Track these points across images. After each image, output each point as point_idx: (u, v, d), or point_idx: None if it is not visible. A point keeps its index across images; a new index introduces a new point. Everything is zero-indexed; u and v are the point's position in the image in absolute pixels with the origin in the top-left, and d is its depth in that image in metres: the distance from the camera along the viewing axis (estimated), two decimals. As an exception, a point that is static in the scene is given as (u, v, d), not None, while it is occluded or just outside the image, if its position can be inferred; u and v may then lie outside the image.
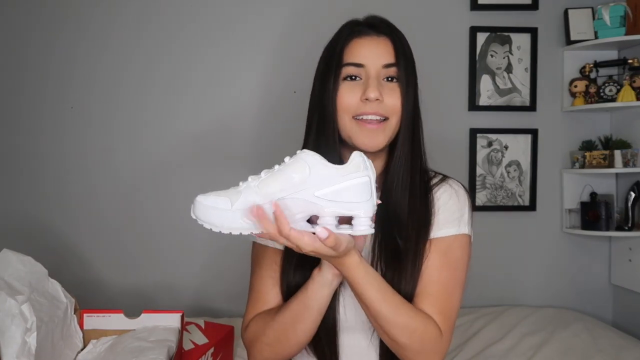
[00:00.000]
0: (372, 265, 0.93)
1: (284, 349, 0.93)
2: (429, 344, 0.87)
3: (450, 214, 0.96)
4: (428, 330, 0.87)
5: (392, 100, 0.93)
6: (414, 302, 0.90)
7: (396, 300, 0.87)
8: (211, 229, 0.74)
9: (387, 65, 0.93)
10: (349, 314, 0.94)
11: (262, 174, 0.76)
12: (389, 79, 0.94)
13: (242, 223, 0.74)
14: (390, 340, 0.88)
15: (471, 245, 0.99)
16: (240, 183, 0.76)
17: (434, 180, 1.01)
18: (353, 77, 0.93)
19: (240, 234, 0.76)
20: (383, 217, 0.94)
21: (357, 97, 0.92)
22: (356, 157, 0.76)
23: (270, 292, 0.99)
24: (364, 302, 0.86)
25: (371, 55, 0.93)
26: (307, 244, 0.75)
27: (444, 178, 1.02)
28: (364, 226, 0.76)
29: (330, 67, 0.95)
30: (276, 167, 0.76)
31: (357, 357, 0.97)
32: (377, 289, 0.85)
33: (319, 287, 0.88)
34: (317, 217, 0.77)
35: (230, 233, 0.75)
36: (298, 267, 0.95)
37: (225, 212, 0.73)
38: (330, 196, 0.74)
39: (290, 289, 0.95)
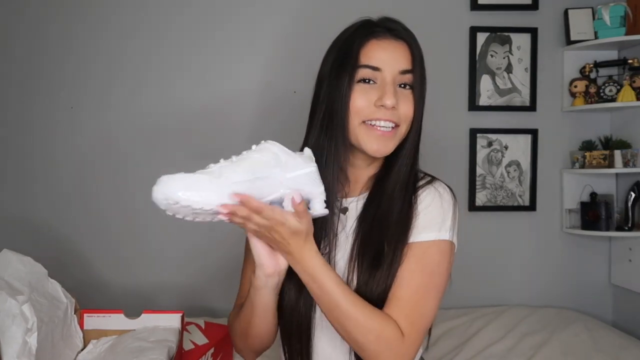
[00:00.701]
0: (349, 268, 0.93)
1: (251, 342, 0.99)
2: (386, 347, 0.84)
3: (431, 218, 0.93)
4: (385, 332, 0.84)
5: (405, 108, 0.92)
6: (384, 306, 0.89)
7: (355, 297, 0.86)
8: (181, 206, 0.77)
9: (404, 72, 0.91)
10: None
11: (233, 157, 0.83)
12: (403, 85, 0.93)
13: (221, 199, 0.78)
14: (347, 338, 0.87)
15: (453, 253, 0.95)
16: (211, 165, 0.83)
17: (420, 182, 0.98)
18: (367, 80, 0.91)
19: (215, 215, 0.82)
20: (369, 220, 0.94)
21: (371, 102, 0.90)
22: (308, 150, 0.88)
23: (248, 286, 1.01)
24: (322, 293, 0.85)
25: (389, 59, 0.91)
26: (279, 214, 0.80)
27: (432, 180, 0.98)
28: (320, 208, 0.86)
29: (344, 67, 0.91)
30: (244, 153, 0.84)
31: (331, 353, 0.96)
32: (336, 282, 0.85)
33: (256, 291, 0.91)
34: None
35: (202, 208, 0.77)
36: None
37: (210, 184, 0.78)
38: (297, 179, 0.83)
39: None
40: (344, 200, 0.99)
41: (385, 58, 0.91)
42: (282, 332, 0.99)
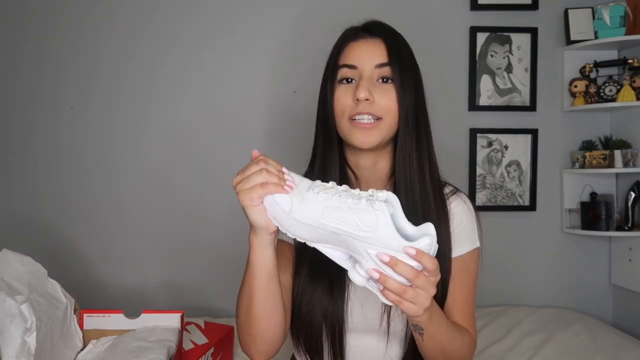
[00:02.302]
0: None
1: (257, 331, 0.90)
2: (470, 352, 0.98)
3: (467, 232, 0.99)
4: (471, 345, 0.97)
5: (384, 100, 0.94)
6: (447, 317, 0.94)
7: (454, 331, 0.92)
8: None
9: (380, 65, 0.94)
10: (355, 316, 0.95)
11: (341, 190, 0.76)
12: (384, 80, 0.95)
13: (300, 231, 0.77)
14: (443, 357, 0.93)
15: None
16: (318, 184, 0.78)
17: (446, 190, 1.02)
18: (349, 80, 0.96)
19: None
20: None
21: (351, 99, 0.94)
22: (425, 241, 0.72)
23: None
24: (434, 342, 0.88)
25: (364, 56, 0.95)
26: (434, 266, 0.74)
27: (455, 190, 1.03)
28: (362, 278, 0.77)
29: (328, 71, 0.99)
30: (357, 192, 0.76)
31: (362, 357, 0.98)
32: (446, 327, 0.89)
33: (261, 251, 0.84)
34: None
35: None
36: (312, 277, 0.96)
37: (286, 214, 0.76)
38: (377, 257, 0.73)
39: (300, 295, 0.97)
40: None
41: (360, 55, 0.95)
42: (309, 338, 0.97)
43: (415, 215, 0.93)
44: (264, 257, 0.85)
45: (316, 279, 0.94)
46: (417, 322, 0.82)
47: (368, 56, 0.95)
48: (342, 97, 0.95)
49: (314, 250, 0.81)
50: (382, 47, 0.95)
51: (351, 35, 0.98)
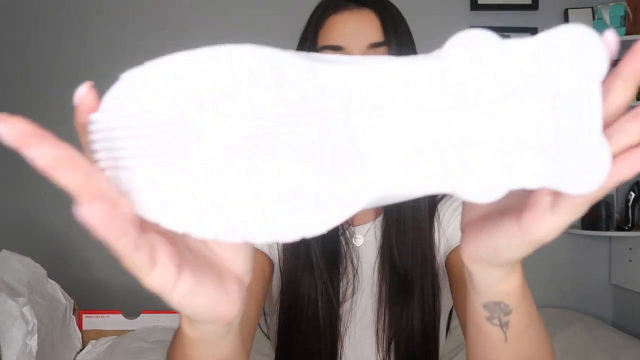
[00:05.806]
0: (379, 292, 0.77)
1: None
2: None
3: (455, 227, 0.81)
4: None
5: None
6: (465, 328, 0.71)
7: (542, 323, 0.67)
8: None
9: (374, 45, 0.72)
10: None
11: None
12: None
13: None
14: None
15: None
16: None
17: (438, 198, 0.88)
18: None
19: None
20: (388, 232, 0.79)
21: None
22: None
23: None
24: (530, 318, 0.49)
25: (352, 33, 0.72)
26: None
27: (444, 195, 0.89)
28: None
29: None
30: None
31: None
32: (537, 314, 0.66)
33: (214, 345, 0.43)
34: None
35: None
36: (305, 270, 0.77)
37: None
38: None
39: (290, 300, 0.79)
40: (352, 228, 0.82)
41: (347, 32, 0.72)
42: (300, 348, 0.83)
43: (405, 214, 0.79)
44: (218, 350, 0.43)
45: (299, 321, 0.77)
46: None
47: (356, 32, 0.72)
48: None
49: (297, 290, 0.74)
50: (374, 20, 0.73)
51: (331, 6, 0.75)
